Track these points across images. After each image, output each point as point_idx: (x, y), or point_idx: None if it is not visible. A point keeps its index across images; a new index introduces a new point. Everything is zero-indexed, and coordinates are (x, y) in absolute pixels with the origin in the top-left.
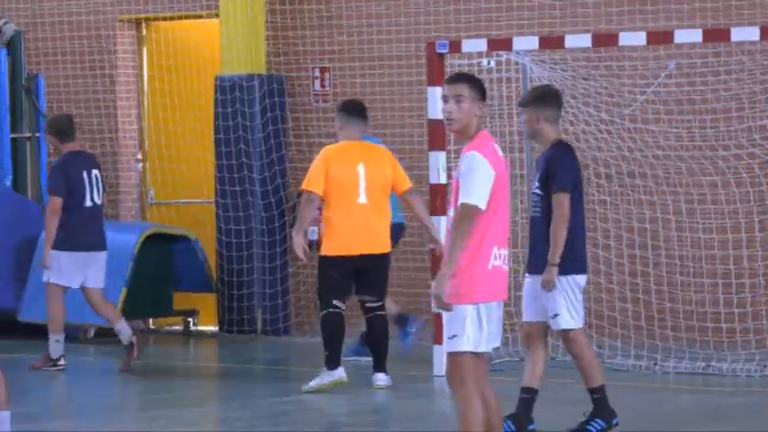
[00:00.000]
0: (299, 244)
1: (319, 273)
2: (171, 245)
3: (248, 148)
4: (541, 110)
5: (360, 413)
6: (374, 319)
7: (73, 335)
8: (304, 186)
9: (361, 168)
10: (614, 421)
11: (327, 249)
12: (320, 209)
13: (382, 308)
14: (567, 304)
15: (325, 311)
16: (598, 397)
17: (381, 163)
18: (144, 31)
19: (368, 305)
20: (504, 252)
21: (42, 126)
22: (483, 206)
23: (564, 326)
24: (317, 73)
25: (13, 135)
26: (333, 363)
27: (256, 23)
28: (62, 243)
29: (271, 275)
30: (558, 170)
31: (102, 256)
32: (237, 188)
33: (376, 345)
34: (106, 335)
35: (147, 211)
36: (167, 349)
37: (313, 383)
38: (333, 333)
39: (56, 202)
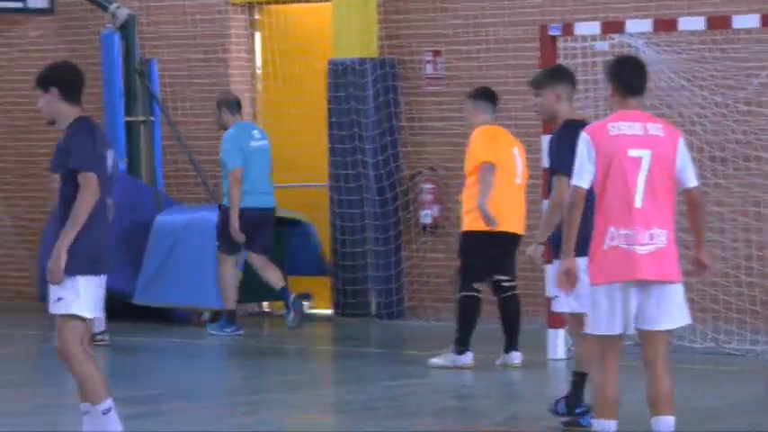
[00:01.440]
0: (488, 214)
1: (467, 249)
2: (285, 229)
3: (361, 131)
4: (558, 88)
5: (473, 396)
6: (509, 299)
7: (187, 318)
8: (483, 159)
9: (516, 151)
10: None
11: (482, 225)
12: (433, 192)
13: (515, 287)
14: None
15: (463, 294)
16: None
17: (522, 147)
18: (257, 15)
19: (504, 284)
20: (624, 231)
21: (156, 110)
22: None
23: (557, 309)
24: (430, 56)
25: (127, 119)
26: (462, 346)
27: (368, 7)
28: None
29: (384, 259)
30: (558, 152)
31: None
32: (351, 172)
33: (511, 324)
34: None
35: None
36: (282, 332)
37: (437, 360)
38: (468, 317)
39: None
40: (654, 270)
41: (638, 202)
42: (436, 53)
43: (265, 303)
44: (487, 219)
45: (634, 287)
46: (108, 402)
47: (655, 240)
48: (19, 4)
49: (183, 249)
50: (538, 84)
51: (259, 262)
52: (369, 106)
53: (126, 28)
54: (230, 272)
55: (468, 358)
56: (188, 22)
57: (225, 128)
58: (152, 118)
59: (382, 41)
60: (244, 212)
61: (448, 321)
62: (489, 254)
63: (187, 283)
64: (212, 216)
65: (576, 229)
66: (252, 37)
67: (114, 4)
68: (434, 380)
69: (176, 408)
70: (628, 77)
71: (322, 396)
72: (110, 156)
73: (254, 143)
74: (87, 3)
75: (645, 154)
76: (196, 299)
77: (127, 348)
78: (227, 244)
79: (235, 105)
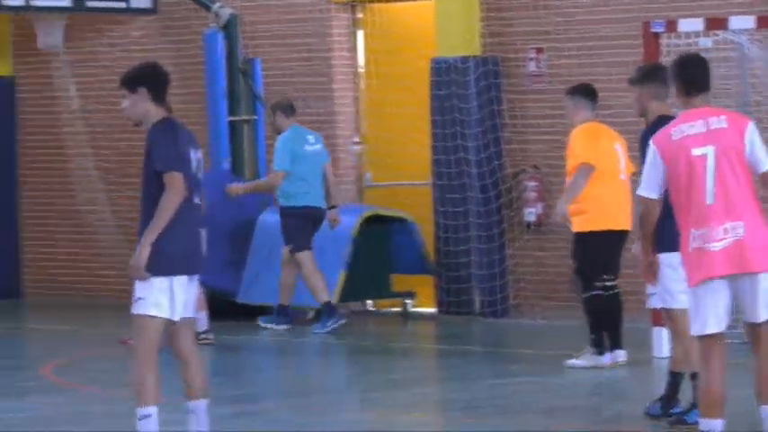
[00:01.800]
0: (563, 213)
1: (582, 250)
2: (388, 227)
3: (464, 129)
4: (650, 86)
5: (577, 395)
6: (612, 297)
7: (292, 316)
8: (581, 159)
9: (618, 147)
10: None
11: (595, 224)
12: (537, 190)
13: (617, 285)
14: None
15: (588, 294)
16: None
17: (624, 143)
18: (359, 14)
19: (608, 283)
20: (700, 231)
21: (259, 109)
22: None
23: (652, 305)
24: (533, 54)
25: (230, 118)
26: (600, 347)
27: (471, 4)
28: None
29: (488, 257)
30: (644, 147)
31: None
32: (454, 170)
33: (614, 322)
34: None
35: (365, 193)
36: (385, 331)
37: (576, 362)
38: (599, 316)
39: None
40: (729, 265)
41: (708, 199)
42: (539, 50)
43: (369, 302)
44: (564, 218)
45: (725, 283)
46: (150, 410)
47: (729, 234)
48: (122, 4)
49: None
50: (631, 81)
51: (310, 264)
52: (471, 104)
53: (229, 27)
54: (313, 266)
55: (607, 359)
56: (290, 21)
57: (279, 131)
58: (255, 117)
59: (485, 39)
60: (302, 210)
61: (552, 320)
62: (602, 252)
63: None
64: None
65: (649, 238)
66: (354, 36)
67: (217, 4)
68: (538, 379)
69: (279, 406)
70: (689, 75)
71: (426, 395)
72: (194, 156)
73: (308, 147)
74: (190, 2)
75: (708, 150)
76: (301, 297)
77: (231, 347)
78: (299, 241)
79: (289, 109)
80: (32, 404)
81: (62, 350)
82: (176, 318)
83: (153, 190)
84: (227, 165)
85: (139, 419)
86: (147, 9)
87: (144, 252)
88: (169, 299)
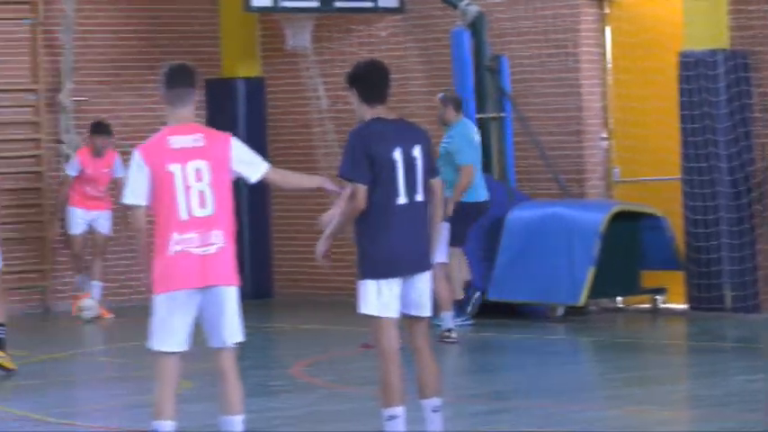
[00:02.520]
0: None
1: None
2: (638, 222)
3: (713, 124)
4: None
5: None
6: None
7: (541, 314)
8: None
9: None
10: None
11: None
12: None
13: None
14: None
15: None
16: None
17: None
18: (607, 9)
19: None
20: None
21: (507, 106)
22: None
23: None
24: None
25: (478, 116)
26: None
27: None
28: None
29: (739, 252)
30: None
31: None
32: (704, 165)
33: None
34: (574, 313)
35: (613, 188)
36: (636, 327)
37: None
38: None
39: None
40: None
41: None
42: None
43: (619, 299)
44: None
45: None
46: (395, 410)
47: None
48: (370, 4)
49: (536, 245)
50: None
51: (455, 261)
52: (720, 98)
53: (476, 25)
54: (457, 263)
55: None
56: (537, 17)
57: (446, 124)
58: (503, 114)
59: (733, 32)
60: (473, 205)
61: None
62: None
63: (540, 278)
64: (564, 211)
65: None
66: (602, 31)
67: (464, 2)
68: None
69: (531, 404)
70: None
71: (675, 391)
72: (398, 152)
73: (476, 139)
74: (437, 1)
75: None
76: (549, 294)
77: (480, 345)
78: (456, 237)
79: (460, 104)
80: (284, 403)
81: (312, 349)
82: (388, 314)
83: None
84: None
85: (386, 420)
86: (394, 8)
87: (322, 245)
88: (377, 299)
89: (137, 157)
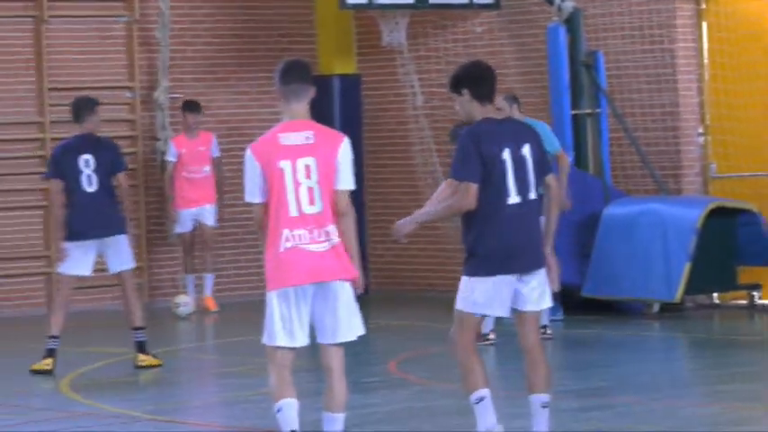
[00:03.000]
0: None
1: None
2: (734, 218)
3: None
4: None
5: None
6: None
7: (637, 310)
8: None
9: None
10: None
11: None
12: None
13: None
14: None
15: None
16: None
17: None
18: (703, 4)
19: None
20: None
21: (603, 102)
22: None
23: None
24: None
25: (573, 112)
26: None
27: None
28: None
29: None
30: None
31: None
32: None
33: None
34: (670, 310)
35: (710, 184)
36: (732, 324)
37: None
38: None
39: None
40: None
41: None
42: None
43: (715, 295)
44: None
45: None
46: (481, 393)
47: None
48: (465, 0)
49: (632, 241)
50: None
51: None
52: None
53: (571, 21)
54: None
55: None
56: (633, 13)
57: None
58: (598, 110)
59: None
60: None
61: None
62: None
63: (636, 274)
64: (660, 207)
65: None
66: (698, 26)
67: None
68: None
69: (627, 400)
70: None
71: None
72: (507, 152)
73: None
74: None
75: None
76: (646, 290)
77: (577, 341)
78: None
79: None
80: (379, 400)
81: (407, 345)
82: (487, 312)
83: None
84: (570, 158)
85: (475, 403)
86: (490, 4)
87: (407, 225)
88: (482, 296)
89: (249, 154)
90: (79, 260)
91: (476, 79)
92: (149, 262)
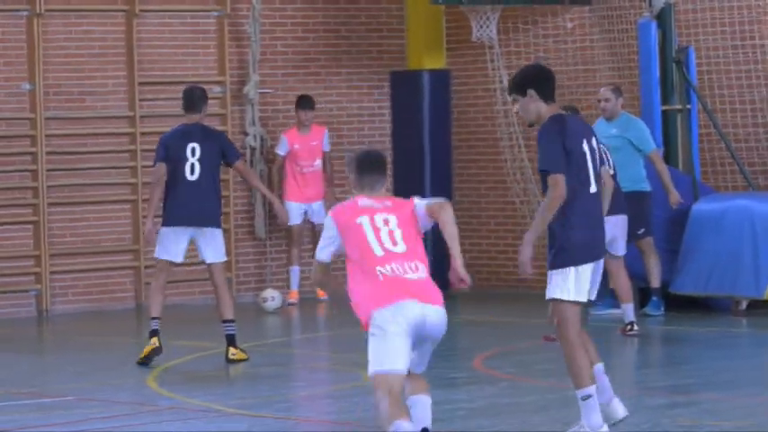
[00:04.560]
0: None
1: None
2: None
3: None
4: None
5: None
6: None
7: (725, 307)
8: None
9: None
10: None
11: None
12: None
13: None
14: None
15: None
16: None
17: None
18: None
19: None
20: None
21: (693, 98)
22: None
23: None
24: None
25: (663, 108)
26: None
27: None
28: None
29: None
30: None
31: None
32: None
33: None
34: (758, 306)
35: None
36: None
37: None
38: None
39: None
40: None
41: None
42: None
43: None
44: None
45: None
46: (589, 390)
47: None
48: None
49: (721, 237)
50: None
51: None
52: None
53: (663, 16)
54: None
55: None
56: (724, 9)
57: (613, 117)
58: (688, 106)
59: None
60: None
61: None
62: None
63: (725, 271)
64: (749, 204)
65: None
66: None
67: None
68: None
69: (713, 397)
70: None
71: None
72: (588, 147)
73: None
74: None
75: None
76: (734, 287)
77: (665, 338)
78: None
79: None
80: (466, 395)
81: (493, 341)
82: (583, 299)
83: (545, 187)
84: (660, 154)
85: (582, 400)
86: (581, 0)
87: (526, 250)
88: (574, 285)
89: (328, 220)
90: (171, 246)
91: (541, 80)
92: (236, 257)
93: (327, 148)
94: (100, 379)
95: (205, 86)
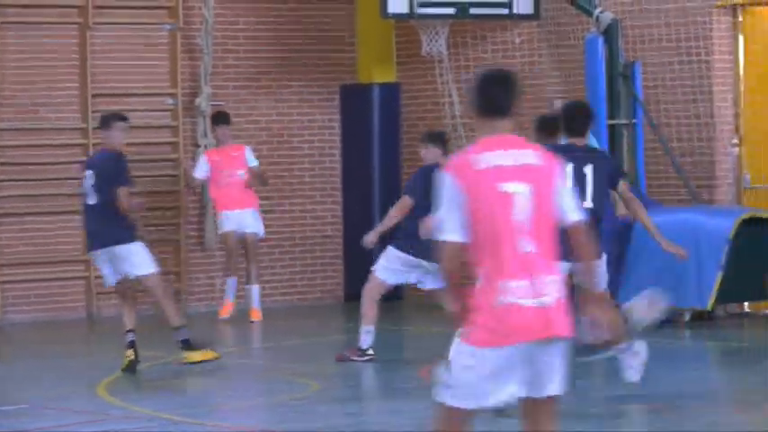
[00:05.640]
0: None
1: None
2: (766, 228)
3: None
4: None
5: None
6: None
7: (668, 318)
8: None
9: None
10: None
11: None
12: None
13: None
14: None
15: None
16: None
17: None
18: (740, 17)
19: None
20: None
21: (639, 112)
22: None
23: None
24: None
25: (610, 122)
26: None
27: None
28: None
29: None
30: None
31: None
32: None
33: None
34: (701, 318)
35: (743, 195)
36: (763, 332)
37: None
38: None
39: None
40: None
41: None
42: None
43: (746, 304)
44: None
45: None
46: None
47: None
48: (505, 11)
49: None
50: None
51: None
52: None
53: (609, 32)
54: None
55: None
56: (670, 25)
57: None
58: (634, 120)
59: None
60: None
61: None
62: None
63: (668, 283)
64: (693, 217)
65: None
66: (735, 39)
67: (598, 9)
68: None
69: (652, 408)
70: None
71: None
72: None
73: None
74: (571, 8)
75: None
76: (677, 299)
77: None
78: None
79: None
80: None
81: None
82: None
83: None
84: None
85: None
86: (529, 15)
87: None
88: None
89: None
90: (103, 271)
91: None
92: (187, 267)
93: (253, 163)
94: (53, 388)
95: (157, 98)
